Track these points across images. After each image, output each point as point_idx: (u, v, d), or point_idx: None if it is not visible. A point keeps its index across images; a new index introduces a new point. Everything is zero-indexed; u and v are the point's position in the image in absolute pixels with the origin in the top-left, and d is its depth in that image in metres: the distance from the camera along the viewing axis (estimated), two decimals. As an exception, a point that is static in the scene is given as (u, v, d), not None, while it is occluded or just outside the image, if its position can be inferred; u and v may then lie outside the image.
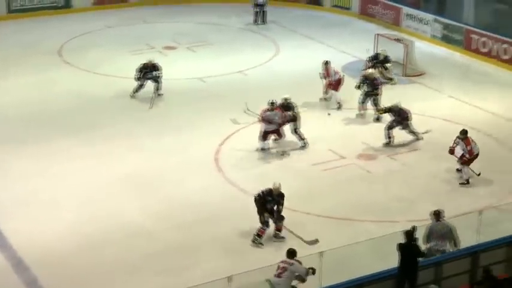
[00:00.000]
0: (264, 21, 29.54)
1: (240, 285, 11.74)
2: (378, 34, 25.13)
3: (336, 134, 19.31)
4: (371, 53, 23.56)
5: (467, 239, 13.47)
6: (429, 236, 13.17)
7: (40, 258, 13.85)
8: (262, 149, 18.20)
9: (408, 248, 12.28)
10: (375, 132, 19.33)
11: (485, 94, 22.31)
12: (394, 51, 23.57)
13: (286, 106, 18.83)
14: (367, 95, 20.47)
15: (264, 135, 18.16)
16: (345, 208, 15.57)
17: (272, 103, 18.09)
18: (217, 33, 28.26)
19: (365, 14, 30.23)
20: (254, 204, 14.51)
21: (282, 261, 12.29)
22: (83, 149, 18.14)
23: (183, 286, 12.08)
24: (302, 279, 12.22)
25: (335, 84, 21.35)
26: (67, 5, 30.52)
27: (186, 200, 15.97)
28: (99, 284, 13.09)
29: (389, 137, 18.74)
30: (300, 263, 12.23)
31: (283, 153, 18.03)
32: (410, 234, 12.35)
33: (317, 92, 21.84)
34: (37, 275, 13.36)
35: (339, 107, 21.08)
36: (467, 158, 16.74)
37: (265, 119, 18.01)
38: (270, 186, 14.62)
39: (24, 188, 16.43)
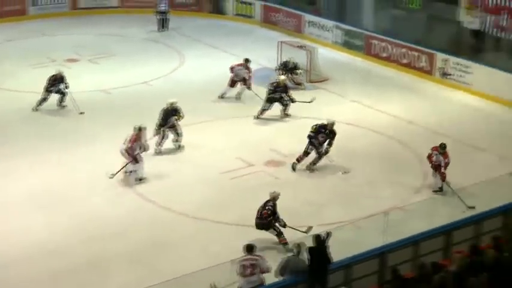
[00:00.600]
0: (166, 28, 29.67)
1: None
2: (281, 41, 25.44)
3: (243, 141, 19.43)
4: (274, 61, 23.82)
5: (374, 241, 13.77)
6: (285, 268, 12.64)
7: None
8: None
9: (318, 251, 12.46)
10: (282, 139, 19.56)
11: (386, 98, 22.90)
12: (298, 58, 23.90)
13: (173, 110, 18.75)
14: (273, 100, 20.78)
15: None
16: (254, 216, 15.58)
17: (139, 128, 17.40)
18: (119, 44, 28.04)
19: (268, 22, 30.58)
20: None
21: (245, 259, 12.25)
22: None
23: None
24: (266, 272, 12.23)
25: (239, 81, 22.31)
26: (-38, 19, 29.74)
27: (93, 215, 15.74)
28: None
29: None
30: (260, 256, 12.30)
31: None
32: (319, 238, 12.54)
33: (224, 100, 21.97)
34: None
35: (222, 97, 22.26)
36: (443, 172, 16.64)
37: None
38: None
39: None
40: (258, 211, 14.68)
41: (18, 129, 20.02)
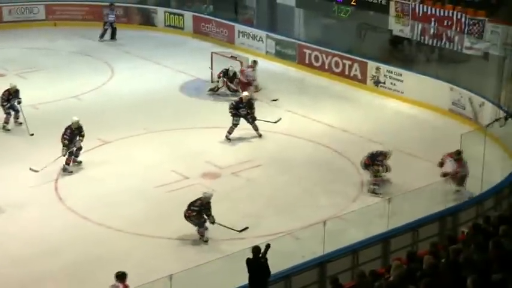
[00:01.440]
0: (114, 38, 29.82)
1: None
2: (213, 52, 25.45)
3: (178, 154, 19.33)
4: (211, 71, 23.88)
5: (314, 250, 13.87)
6: None
7: None
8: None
9: (255, 263, 12.48)
10: (218, 151, 19.55)
11: (320, 107, 23.10)
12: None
13: (78, 128, 18.48)
14: (245, 117, 20.36)
15: None
16: (192, 228, 15.56)
17: None
18: (47, 58, 27.64)
19: (199, 32, 30.56)
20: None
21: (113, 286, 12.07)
22: None
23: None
24: None
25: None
26: None
27: (24, 233, 15.44)
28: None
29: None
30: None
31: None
32: (257, 249, 12.55)
33: (157, 113, 21.86)
34: None
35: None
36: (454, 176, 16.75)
37: None
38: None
39: None
40: (187, 205, 15.17)
41: None
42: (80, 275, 14.09)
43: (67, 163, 18.31)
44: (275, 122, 20.86)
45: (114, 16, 30.08)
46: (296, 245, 14.73)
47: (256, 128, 20.54)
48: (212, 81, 23.89)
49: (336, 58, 25.76)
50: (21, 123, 20.89)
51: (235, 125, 20.25)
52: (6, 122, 20.76)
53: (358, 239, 14.15)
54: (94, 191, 17.34)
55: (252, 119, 20.49)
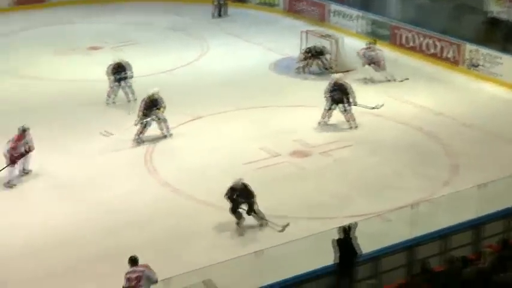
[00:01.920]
0: (224, 14, 29.99)
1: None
2: (304, 31, 25.29)
3: (268, 132, 19.33)
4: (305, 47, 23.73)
5: (402, 233, 13.67)
6: None
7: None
8: None
9: (345, 243, 12.39)
10: (307, 130, 19.46)
11: (412, 88, 22.70)
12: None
13: (152, 101, 18.67)
14: (336, 101, 19.64)
15: None
16: (281, 206, 15.59)
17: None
18: (143, 33, 28.04)
19: (291, 11, 30.44)
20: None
21: (130, 272, 11.80)
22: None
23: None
24: (155, 282, 11.81)
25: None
26: (-16, 6, 29.84)
27: (116, 204, 15.75)
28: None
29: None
30: (146, 266, 11.89)
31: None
32: (346, 229, 12.46)
33: (247, 90, 21.90)
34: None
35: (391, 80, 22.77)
36: None
37: None
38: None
39: None
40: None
41: (39, 117, 20.00)
42: (167, 247, 14.27)
43: (138, 133, 18.55)
44: (375, 108, 20.05)
45: None
46: (385, 227, 14.55)
47: (348, 119, 19.59)
48: (299, 60, 23.71)
49: (430, 39, 25.23)
50: (135, 100, 20.72)
51: (326, 109, 19.65)
52: (109, 95, 20.99)
53: (448, 224, 13.86)
54: (184, 165, 17.53)
55: (345, 107, 19.58)
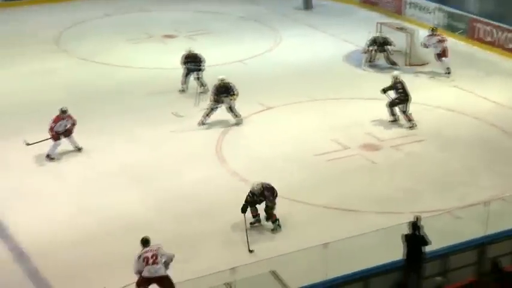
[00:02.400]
0: (310, 6, 29.83)
1: (242, 277, 11.67)
2: (379, 22, 25.04)
3: (339, 124, 19.23)
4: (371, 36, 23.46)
5: (473, 231, 13.46)
6: None
7: (41, 249, 13.81)
8: None
9: (413, 238, 12.27)
10: (379, 123, 19.30)
11: (489, 84, 22.27)
12: (397, 41, 23.48)
13: (223, 87, 18.82)
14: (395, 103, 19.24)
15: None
16: (350, 199, 15.54)
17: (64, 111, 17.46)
18: (217, 22, 28.22)
19: (367, 2, 30.20)
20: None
21: (144, 252, 12.06)
22: (82, 140, 18.04)
23: (183, 279, 12.02)
24: (171, 259, 12.15)
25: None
26: (64, -7, 30.45)
27: (185, 192, 15.90)
28: (99, 276, 12.96)
29: (394, 114, 19.03)
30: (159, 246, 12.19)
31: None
32: (415, 224, 12.33)
33: (320, 81, 21.85)
34: (38, 266, 13.34)
35: (448, 73, 22.37)
36: None
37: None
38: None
39: (22, 180, 16.37)
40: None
41: (112, 104, 20.38)
42: (235, 237, 14.32)
43: (204, 116, 18.92)
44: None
45: None
46: (455, 224, 14.35)
47: (399, 118, 19.09)
48: (364, 52, 23.46)
49: (509, 33, 24.66)
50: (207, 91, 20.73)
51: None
52: (182, 83, 21.14)
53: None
54: (255, 154, 17.59)
55: (398, 105, 19.09)
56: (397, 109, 19.23)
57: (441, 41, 22.78)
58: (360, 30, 26.25)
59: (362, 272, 12.32)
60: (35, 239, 14.15)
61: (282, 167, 16.99)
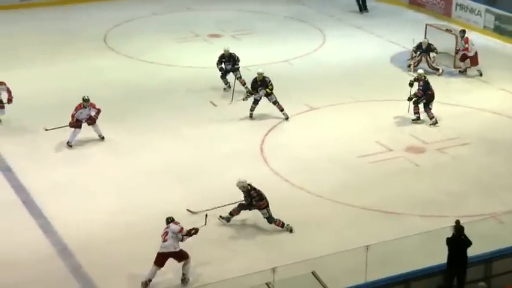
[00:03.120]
0: (364, 9, 29.45)
1: (282, 278, 11.71)
2: (428, 24, 24.85)
3: (383, 126, 19.16)
4: (416, 43, 23.25)
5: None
6: None
7: (84, 245, 14.03)
8: None
9: (457, 242, 12.17)
10: (424, 126, 19.17)
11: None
12: (445, 42, 23.29)
13: (262, 81, 19.09)
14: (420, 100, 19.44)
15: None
16: (392, 202, 15.48)
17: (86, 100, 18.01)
18: (262, 22, 28.27)
19: (415, 3, 29.96)
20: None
21: (164, 229, 13.12)
22: (126, 138, 18.29)
23: (223, 277, 12.15)
24: (178, 232, 13.02)
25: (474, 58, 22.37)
26: (112, -9, 30.78)
27: (229, 191, 15.88)
28: (141, 273, 13.12)
29: (417, 113, 19.16)
30: (176, 223, 13.14)
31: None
32: (459, 227, 12.24)
33: (365, 83, 21.78)
34: (81, 262, 13.54)
35: (480, 74, 22.35)
36: None
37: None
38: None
39: (66, 174, 16.63)
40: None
41: (158, 102, 20.56)
42: (275, 237, 14.37)
43: (251, 110, 19.39)
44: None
45: None
46: (499, 229, 14.20)
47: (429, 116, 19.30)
48: (411, 57, 23.26)
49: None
50: (244, 84, 20.94)
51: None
52: (226, 83, 21.30)
53: None
54: (298, 154, 17.61)
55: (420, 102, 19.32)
56: (421, 108, 19.24)
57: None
58: (406, 31, 26.09)
59: (403, 275, 12.26)
60: (78, 234, 14.37)
61: (325, 168, 16.98)
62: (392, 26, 27.69)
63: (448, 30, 24.26)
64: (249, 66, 22.71)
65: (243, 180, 14.53)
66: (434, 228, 13.56)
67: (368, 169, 16.99)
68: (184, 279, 13.04)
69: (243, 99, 19.44)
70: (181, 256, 13.02)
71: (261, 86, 19.22)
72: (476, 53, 22.66)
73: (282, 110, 19.38)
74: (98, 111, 18.09)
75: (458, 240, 12.18)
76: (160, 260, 12.94)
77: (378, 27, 27.35)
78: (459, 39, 23.25)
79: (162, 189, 16.05)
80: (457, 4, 28.18)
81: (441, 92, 20.28)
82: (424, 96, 19.26)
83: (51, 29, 26.84)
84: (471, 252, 12.32)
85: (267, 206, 14.51)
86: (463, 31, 23.08)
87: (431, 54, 22.77)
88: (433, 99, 19.29)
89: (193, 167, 17.02)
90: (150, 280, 12.88)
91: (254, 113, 19.49)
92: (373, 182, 16.39)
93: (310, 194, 15.90)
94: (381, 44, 25.59)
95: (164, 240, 12.98)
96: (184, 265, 13.04)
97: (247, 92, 19.74)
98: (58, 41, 25.47)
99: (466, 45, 22.59)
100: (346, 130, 18.92)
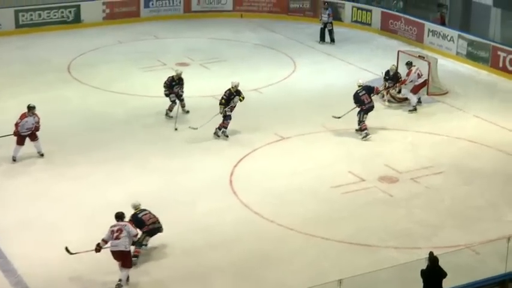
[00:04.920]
0: (332, 40, 29.26)
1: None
2: (400, 51, 25.06)
3: (355, 155, 19.23)
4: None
5: (494, 268, 13.36)
6: None
7: (44, 283, 13.83)
8: None
9: (432, 273, 12.20)
10: (398, 154, 19.26)
11: (513, 115, 22.20)
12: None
13: (236, 91, 20.08)
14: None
15: None
16: (366, 233, 15.48)
17: None
18: (231, 49, 28.36)
19: (386, 30, 30.25)
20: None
21: (114, 225, 13.72)
22: (91, 169, 18.16)
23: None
24: (134, 236, 13.79)
25: (416, 87, 22.21)
26: (77, 20, 30.74)
27: (197, 224, 15.89)
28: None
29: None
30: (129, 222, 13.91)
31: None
32: (433, 259, 12.26)
33: (337, 111, 21.81)
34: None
35: (414, 110, 22.12)
36: None
37: None
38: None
39: (27, 209, 16.40)
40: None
41: (125, 133, 20.48)
42: (247, 271, 14.32)
43: (220, 127, 19.96)
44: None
45: (326, 16, 29.20)
46: (475, 260, 14.24)
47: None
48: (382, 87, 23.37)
49: (534, 62, 24.69)
50: (188, 112, 21.54)
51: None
52: (170, 109, 21.40)
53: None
54: (268, 186, 17.57)
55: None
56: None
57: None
58: (378, 58, 26.34)
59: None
60: (38, 272, 14.13)
61: (297, 199, 16.97)
62: (364, 53, 27.93)
63: (420, 57, 24.47)
64: (218, 95, 22.71)
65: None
66: (409, 260, 13.58)
67: (341, 200, 17.00)
68: (119, 286, 13.53)
69: (220, 113, 19.95)
70: (127, 260, 13.60)
71: (237, 95, 19.89)
72: (424, 82, 22.57)
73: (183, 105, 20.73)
74: (38, 121, 18.52)
75: (433, 272, 12.20)
76: (113, 257, 13.64)
77: (349, 54, 27.56)
78: (432, 66, 23.50)
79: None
80: (429, 30, 28.50)
81: (415, 119, 20.45)
82: (365, 106, 20.13)
83: (12, 59, 26.67)
84: (446, 284, 12.35)
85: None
86: (409, 63, 22.73)
87: (392, 87, 22.80)
88: (371, 110, 20.33)
89: (161, 198, 16.86)
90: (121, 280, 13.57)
91: (225, 141, 19.67)
92: (346, 213, 16.40)
93: (281, 226, 15.85)
94: (352, 72, 25.73)
95: (116, 238, 13.49)
96: (123, 271, 13.60)
97: (222, 106, 19.97)
98: (20, 72, 25.30)
99: (405, 78, 22.53)
100: (317, 160, 18.94)
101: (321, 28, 29.37)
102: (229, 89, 20.08)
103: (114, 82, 24.41)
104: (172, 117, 21.22)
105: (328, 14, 29.21)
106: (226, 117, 20.01)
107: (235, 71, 25.73)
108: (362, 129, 20.22)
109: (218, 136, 20.01)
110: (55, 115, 21.34)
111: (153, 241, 15.05)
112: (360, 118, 20.32)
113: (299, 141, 20.09)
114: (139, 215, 14.64)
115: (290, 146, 19.85)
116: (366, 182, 17.80)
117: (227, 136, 20.06)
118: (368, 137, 20.09)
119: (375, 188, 17.53)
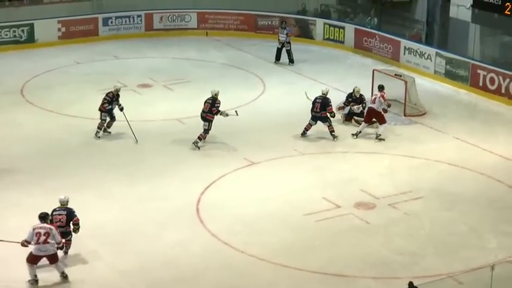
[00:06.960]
0: (290, 62, 29.23)
1: None
2: (375, 70, 25.26)
3: (329, 180, 19.28)
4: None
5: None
6: None
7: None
8: None
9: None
10: (374, 179, 19.34)
11: (494, 136, 22.43)
12: (394, 89, 23.68)
13: (216, 99, 21.05)
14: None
15: None
16: (342, 263, 15.48)
17: None
18: (196, 70, 28.42)
19: (360, 47, 30.49)
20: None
21: (39, 227, 14.31)
22: (46, 199, 17.94)
23: None
24: (58, 243, 14.45)
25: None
26: (30, 40, 30.65)
27: (162, 256, 15.81)
28: None
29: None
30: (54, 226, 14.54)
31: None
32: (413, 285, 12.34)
33: (308, 133, 21.88)
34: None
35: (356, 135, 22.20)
36: None
37: None
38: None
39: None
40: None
41: (82, 159, 20.36)
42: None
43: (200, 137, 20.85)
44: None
45: (284, 36, 29.12)
46: (459, 290, 14.33)
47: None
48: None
49: (514, 81, 25.00)
50: (110, 133, 21.75)
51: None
52: (99, 128, 21.60)
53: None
54: (237, 214, 17.54)
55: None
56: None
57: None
58: (352, 77, 26.53)
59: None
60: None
61: (268, 228, 16.94)
62: (337, 72, 28.14)
63: (397, 76, 24.70)
64: (183, 119, 22.79)
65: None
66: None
67: (314, 228, 17.01)
68: (64, 276, 14.50)
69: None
70: (54, 257, 14.41)
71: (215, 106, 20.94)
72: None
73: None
74: None
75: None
76: (35, 259, 14.35)
77: (321, 74, 27.71)
78: (411, 85, 23.71)
79: (86, 256, 15.71)
80: (405, 48, 28.77)
81: (392, 142, 20.55)
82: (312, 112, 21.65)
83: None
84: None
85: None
86: (381, 87, 22.29)
87: (355, 108, 22.98)
88: (316, 120, 21.80)
89: (123, 229, 16.79)
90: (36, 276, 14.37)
91: (192, 166, 19.98)
92: (320, 242, 16.40)
93: (252, 257, 15.80)
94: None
95: (45, 242, 14.14)
96: (56, 266, 14.44)
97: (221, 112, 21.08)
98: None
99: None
100: (289, 186, 18.97)
101: (278, 48, 29.36)
102: (212, 97, 21.11)
103: (70, 105, 24.31)
104: (110, 132, 21.67)
105: (286, 34, 29.12)
106: (206, 131, 20.89)
107: (200, 92, 25.57)
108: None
109: (198, 148, 20.79)
110: (6, 140, 21.18)
111: (116, 275, 14.93)
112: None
113: (269, 166, 20.11)
114: (54, 213, 15.28)
115: (260, 171, 19.87)
116: (341, 208, 17.84)
117: (198, 148, 20.76)
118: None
119: (351, 214, 17.57)
